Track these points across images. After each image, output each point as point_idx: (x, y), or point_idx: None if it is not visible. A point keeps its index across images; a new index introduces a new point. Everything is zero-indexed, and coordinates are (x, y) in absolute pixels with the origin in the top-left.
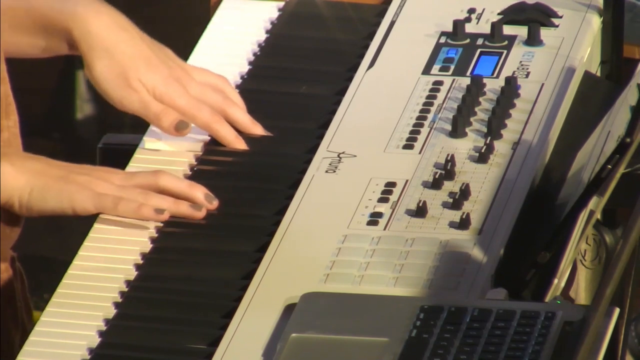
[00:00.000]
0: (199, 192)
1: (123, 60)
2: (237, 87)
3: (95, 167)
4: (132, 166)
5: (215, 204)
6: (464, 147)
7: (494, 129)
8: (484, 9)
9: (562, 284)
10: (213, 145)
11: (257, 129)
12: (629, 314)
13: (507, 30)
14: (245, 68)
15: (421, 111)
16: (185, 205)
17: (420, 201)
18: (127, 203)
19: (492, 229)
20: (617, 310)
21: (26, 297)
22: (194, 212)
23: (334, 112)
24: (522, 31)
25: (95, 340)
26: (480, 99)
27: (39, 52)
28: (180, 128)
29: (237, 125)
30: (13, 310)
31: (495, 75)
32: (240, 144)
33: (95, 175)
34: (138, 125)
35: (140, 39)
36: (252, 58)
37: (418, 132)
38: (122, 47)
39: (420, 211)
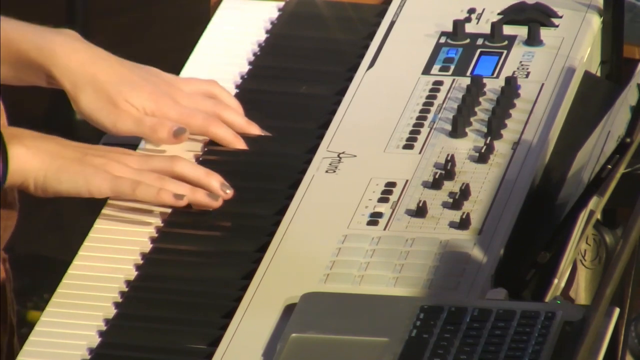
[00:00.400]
0: (215, 181)
1: (107, 88)
2: (237, 87)
3: (110, 149)
4: None
5: (230, 193)
6: (464, 147)
7: (494, 129)
8: (484, 9)
9: (562, 284)
10: (213, 145)
11: (253, 129)
12: (629, 314)
13: (507, 30)
14: (245, 68)
15: (421, 111)
16: (202, 193)
17: (420, 201)
18: (145, 188)
19: (492, 229)
20: (617, 310)
21: (12, 299)
22: (211, 201)
23: (334, 112)
24: (522, 31)
25: (95, 340)
26: (480, 99)
27: (15, 82)
28: (178, 134)
29: (233, 127)
30: (4, 313)
31: (495, 75)
32: (240, 144)
33: (111, 157)
34: None
35: (119, 65)
36: (252, 58)
37: (418, 132)
38: (103, 76)
39: (420, 211)
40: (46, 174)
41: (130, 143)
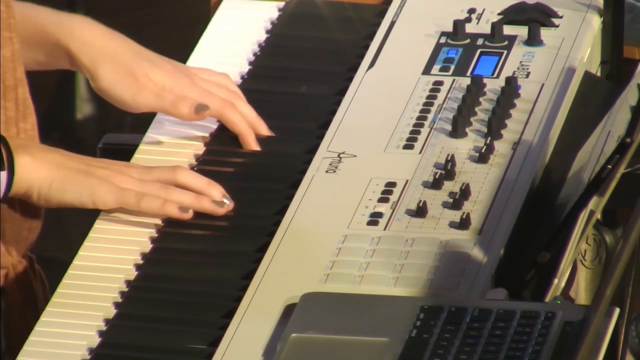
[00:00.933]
0: (216, 191)
1: (127, 61)
2: (237, 87)
3: (113, 161)
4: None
5: (230, 205)
6: (464, 147)
7: (494, 129)
8: (484, 9)
9: (562, 284)
10: (214, 145)
11: (262, 126)
12: (629, 314)
13: (507, 30)
14: (245, 68)
15: (421, 111)
16: (207, 201)
17: (420, 201)
18: (150, 199)
19: (492, 229)
20: (617, 310)
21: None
22: (217, 208)
23: (334, 112)
24: (522, 31)
25: (95, 340)
26: (481, 99)
27: (38, 66)
28: (199, 110)
29: (245, 118)
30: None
31: (495, 75)
32: (251, 135)
33: (114, 169)
34: (138, 126)
35: (137, 45)
36: (252, 58)
37: (418, 132)
38: (122, 49)
39: (420, 211)
40: (51, 184)
41: (130, 143)
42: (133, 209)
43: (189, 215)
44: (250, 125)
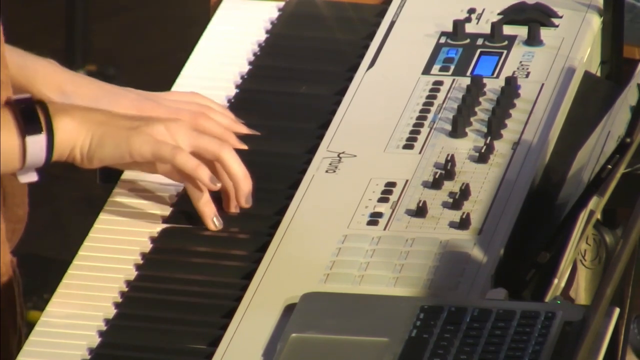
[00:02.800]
0: (247, 186)
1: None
2: (237, 87)
3: (165, 120)
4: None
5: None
6: (464, 147)
7: (494, 129)
8: (484, 9)
9: (562, 284)
10: None
11: (240, 127)
12: (629, 314)
13: (507, 30)
14: (245, 68)
15: (421, 111)
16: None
17: (420, 201)
18: (186, 157)
19: (492, 229)
20: (617, 310)
21: (22, 303)
22: (213, 225)
23: (334, 112)
24: (522, 31)
25: (95, 340)
26: (480, 99)
27: None
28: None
29: (220, 124)
30: (13, 316)
31: (495, 75)
32: (232, 137)
33: (162, 123)
34: None
35: (99, 82)
36: (252, 58)
37: (418, 132)
38: (84, 89)
39: (420, 211)
40: (91, 142)
41: None
42: (167, 162)
43: (216, 187)
44: (228, 129)
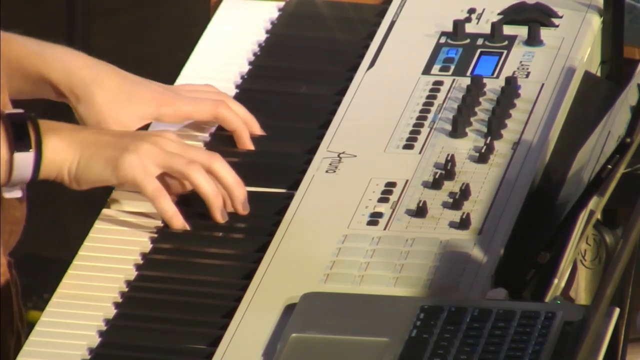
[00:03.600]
0: (241, 194)
1: (113, 84)
2: (237, 87)
3: (152, 132)
4: None
5: (245, 213)
6: (464, 147)
7: (494, 129)
8: (484, 9)
9: (562, 284)
10: (213, 145)
11: (255, 124)
12: (629, 314)
13: (507, 30)
14: (245, 68)
15: (421, 111)
16: (219, 202)
17: (420, 201)
18: (165, 204)
19: (492, 229)
20: (617, 310)
21: (19, 304)
22: (220, 215)
23: (334, 112)
24: (522, 31)
25: (95, 340)
26: (480, 99)
27: (22, 95)
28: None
29: (238, 116)
30: (9, 316)
31: (495, 75)
32: (245, 132)
33: (148, 140)
34: None
35: (121, 70)
36: (252, 58)
37: (418, 132)
38: (106, 75)
39: (420, 211)
40: (78, 164)
41: None
42: (146, 198)
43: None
44: (243, 120)
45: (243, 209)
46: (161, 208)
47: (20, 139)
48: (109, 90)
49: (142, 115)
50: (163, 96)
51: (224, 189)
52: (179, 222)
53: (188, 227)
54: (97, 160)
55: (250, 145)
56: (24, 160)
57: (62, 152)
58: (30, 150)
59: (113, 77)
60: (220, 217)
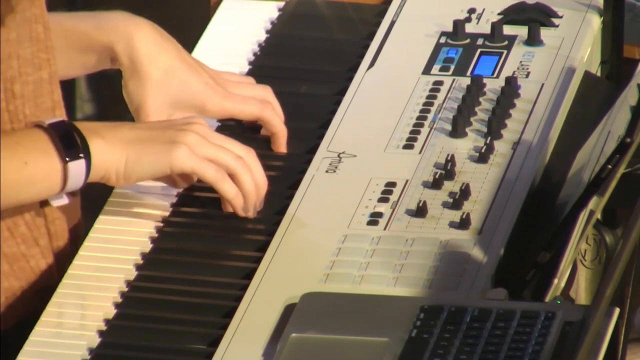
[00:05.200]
0: (263, 193)
1: (169, 64)
2: None
3: (190, 120)
4: None
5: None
6: (464, 147)
7: (494, 129)
8: (484, 9)
9: (562, 284)
10: None
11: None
12: (629, 314)
13: (507, 30)
14: (245, 68)
15: (421, 111)
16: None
17: (420, 201)
18: (227, 186)
19: (492, 229)
20: (617, 310)
21: None
22: (247, 211)
23: (334, 112)
24: (522, 31)
25: (95, 340)
26: (480, 99)
27: (77, 71)
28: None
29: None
30: None
31: (495, 75)
32: (284, 134)
33: (192, 129)
34: None
35: (181, 49)
36: (252, 58)
37: (418, 132)
38: (166, 54)
39: (420, 211)
40: (127, 161)
41: None
42: (208, 183)
43: (245, 214)
44: (278, 126)
45: (260, 206)
46: (224, 190)
47: (69, 148)
48: (164, 72)
49: (187, 106)
50: (213, 91)
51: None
52: (240, 202)
53: (247, 210)
54: (147, 156)
55: (284, 149)
56: (77, 168)
57: (108, 153)
58: (81, 157)
59: (172, 58)
60: (252, 213)
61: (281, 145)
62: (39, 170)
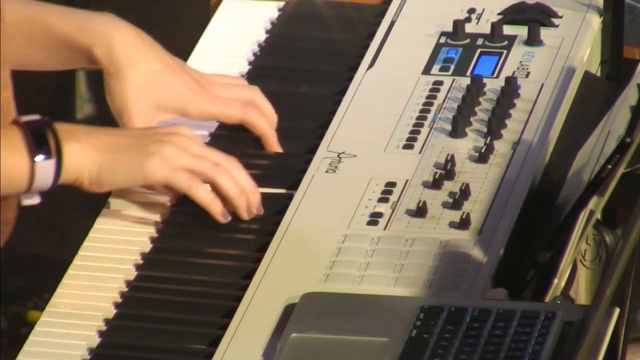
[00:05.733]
0: (255, 199)
1: (150, 67)
2: None
3: (169, 130)
4: None
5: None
6: (464, 147)
7: (494, 129)
8: (484, 9)
9: (562, 284)
10: (214, 145)
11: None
12: (629, 314)
13: (507, 30)
14: (245, 68)
15: (421, 111)
16: (244, 202)
17: (420, 201)
18: (202, 191)
19: (492, 229)
20: (617, 310)
21: None
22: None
23: (334, 112)
24: (522, 31)
25: (95, 340)
26: (480, 99)
27: (56, 65)
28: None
29: (267, 118)
30: None
31: (495, 75)
32: (273, 135)
33: (169, 140)
34: None
35: (162, 51)
36: (252, 58)
37: (418, 132)
38: (146, 56)
39: (420, 211)
40: (100, 168)
41: None
42: (181, 192)
43: (225, 221)
44: (270, 123)
45: (257, 211)
46: (198, 197)
47: (40, 147)
48: (145, 75)
49: (169, 109)
50: (195, 93)
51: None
52: (218, 208)
53: (228, 215)
54: (120, 164)
55: (278, 148)
56: (45, 168)
57: (81, 157)
58: (52, 157)
59: (153, 61)
60: (245, 215)
61: (271, 146)
62: (6, 165)
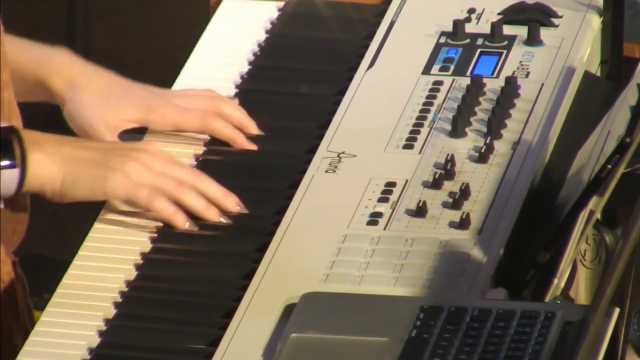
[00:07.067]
0: (232, 201)
1: (102, 89)
2: (237, 87)
3: (136, 146)
4: None
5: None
6: (464, 147)
7: (494, 129)
8: (484, 9)
9: (562, 284)
10: (213, 145)
11: (251, 125)
12: (629, 313)
13: (507, 30)
14: (245, 68)
15: (421, 111)
16: (214, 213)
17: (420, 201)
18: (163, 204)
19: (492, 229)
20: (617, 310)
21: (27, 301)
22: (220, 220)
23: (334, 112)
24: (522, 31)
25: (95, 340)
26: (480, 99)
27: (20, 99)
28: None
29: (231, 120)
30: (15, 313)
31: (495, 75)
32: (240, 137)
33: (133, 157)
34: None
35: (113, 76)
36: (252, 58)
37: (418, 132)
38: (99, 81)
39: (420, 211)
40: (63, 180)
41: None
42: (142, 208)
43: (192, 229)
44: (238, 126)
45: (241, 209)
46: (159, 211)
47: (5, 154)
48: (98, 92)
49: (130, 119)
50: (152, 102)
51: (214, 203)
52: (181, 220)
53: (192, 225)
54: (83, 177)
55: (248, 146)
56: (9, 176)
57: (45, 167)
58: (16, 166)
59: (104, 82)
60: (220, 220)
61: (241, 145)
62: None
